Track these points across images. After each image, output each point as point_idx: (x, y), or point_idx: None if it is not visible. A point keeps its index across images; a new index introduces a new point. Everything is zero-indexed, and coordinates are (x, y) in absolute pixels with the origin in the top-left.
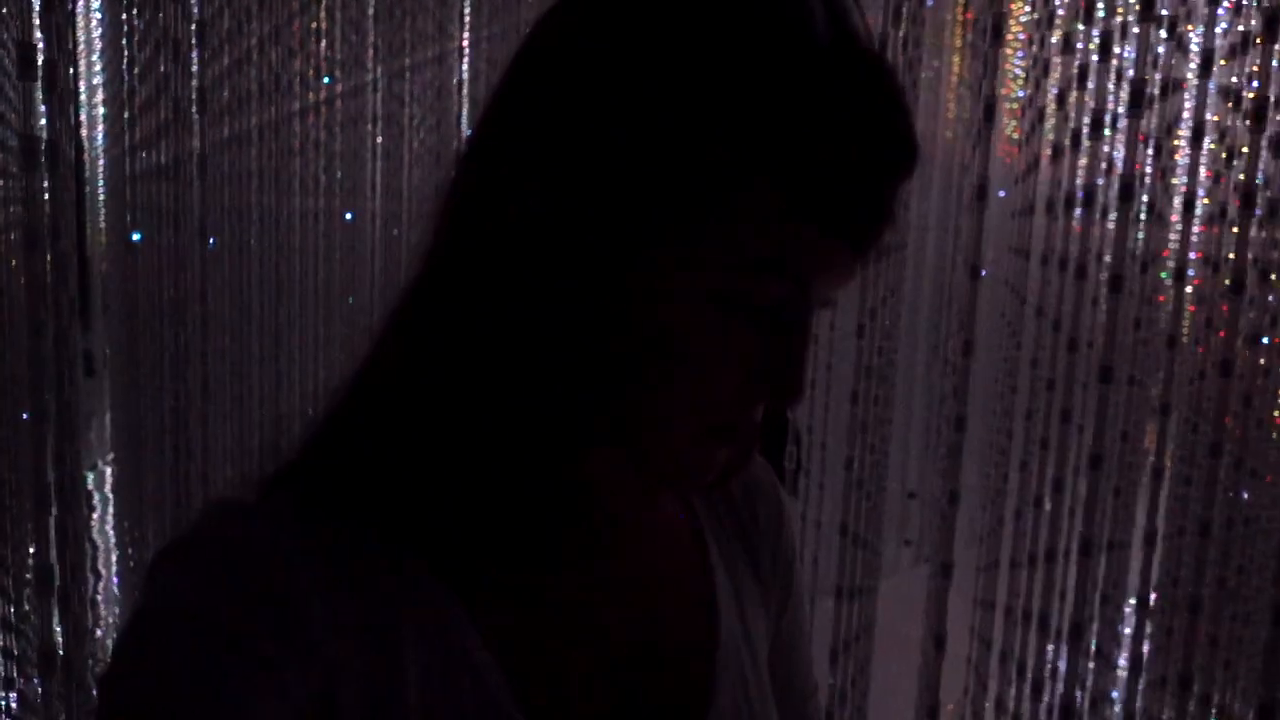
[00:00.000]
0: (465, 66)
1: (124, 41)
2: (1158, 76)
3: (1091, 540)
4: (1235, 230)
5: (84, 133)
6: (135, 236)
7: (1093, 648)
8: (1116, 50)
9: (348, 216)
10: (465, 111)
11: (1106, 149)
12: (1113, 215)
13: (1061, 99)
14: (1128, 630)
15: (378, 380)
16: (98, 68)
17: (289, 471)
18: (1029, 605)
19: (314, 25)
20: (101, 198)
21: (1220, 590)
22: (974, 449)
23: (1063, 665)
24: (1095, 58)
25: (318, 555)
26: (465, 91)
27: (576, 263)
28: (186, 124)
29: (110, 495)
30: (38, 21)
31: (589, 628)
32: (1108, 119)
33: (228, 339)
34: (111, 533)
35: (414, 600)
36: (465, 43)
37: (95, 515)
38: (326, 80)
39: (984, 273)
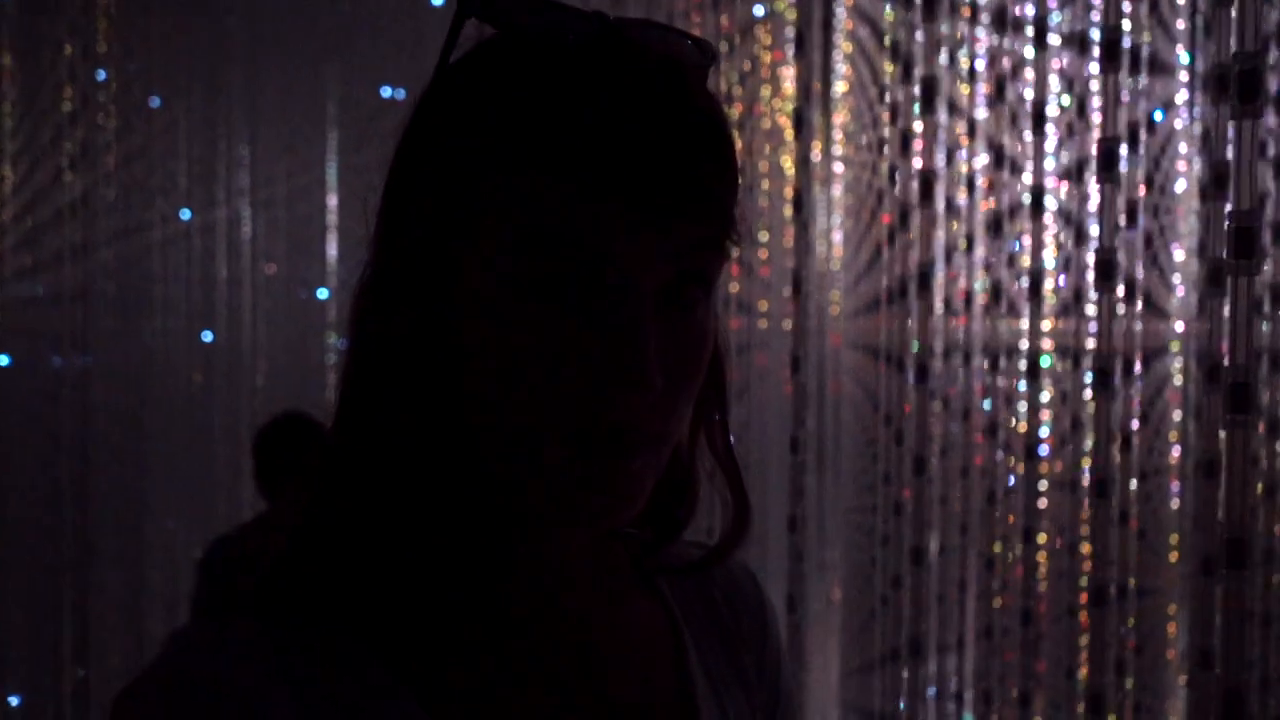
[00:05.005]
0: (333, 199)
1: None
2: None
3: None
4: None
5: None
6: (4, 360)
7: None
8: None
9: (207, 337)
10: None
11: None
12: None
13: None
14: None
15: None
16: None
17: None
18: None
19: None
20: None
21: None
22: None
23: None
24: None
25: (277, 681)
26: (329, 220)
27: (409, 310)
28: (60, 257)
29: None
30: None
31: None
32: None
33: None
34: None
35: (380, 708)
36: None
37: None
38: (186, 215)
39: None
